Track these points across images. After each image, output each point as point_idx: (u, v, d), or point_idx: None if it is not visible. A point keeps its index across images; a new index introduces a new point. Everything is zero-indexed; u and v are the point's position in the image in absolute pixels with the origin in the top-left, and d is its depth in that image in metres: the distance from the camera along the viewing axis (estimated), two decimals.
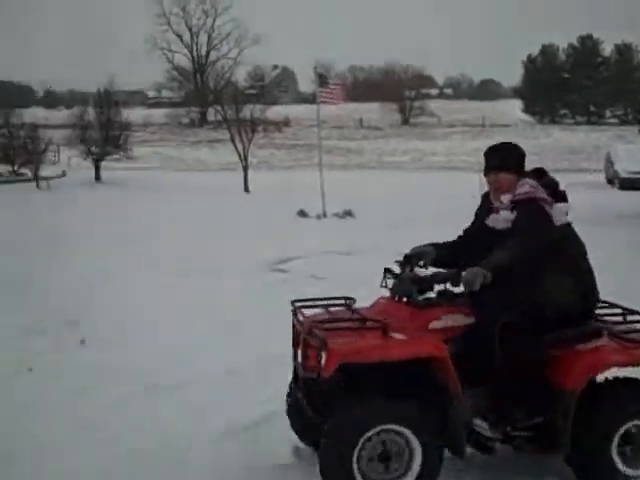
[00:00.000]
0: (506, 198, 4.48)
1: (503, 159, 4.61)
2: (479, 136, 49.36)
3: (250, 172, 24.58)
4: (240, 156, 25.24)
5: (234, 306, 8.50)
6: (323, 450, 4.09)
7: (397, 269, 4.59)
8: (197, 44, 73.61)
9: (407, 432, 4.10)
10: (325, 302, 4.74)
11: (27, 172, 28.58)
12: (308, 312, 4.58)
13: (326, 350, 4.04)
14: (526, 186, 4.44)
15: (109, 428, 5.10)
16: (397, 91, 65.49)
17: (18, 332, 7.46)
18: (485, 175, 4.65)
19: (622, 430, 4.32)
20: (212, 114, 48.14)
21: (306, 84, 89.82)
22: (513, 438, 4.33)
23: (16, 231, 14.84)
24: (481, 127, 57.87)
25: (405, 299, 4.38)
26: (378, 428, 4.06)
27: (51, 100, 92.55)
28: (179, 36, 72.90)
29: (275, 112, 41.46)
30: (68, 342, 7.17)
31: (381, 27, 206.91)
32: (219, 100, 33.60)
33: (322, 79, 19.10)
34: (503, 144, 4.81)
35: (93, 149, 29.81)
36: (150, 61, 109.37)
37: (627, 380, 4.47)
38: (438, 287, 4.47)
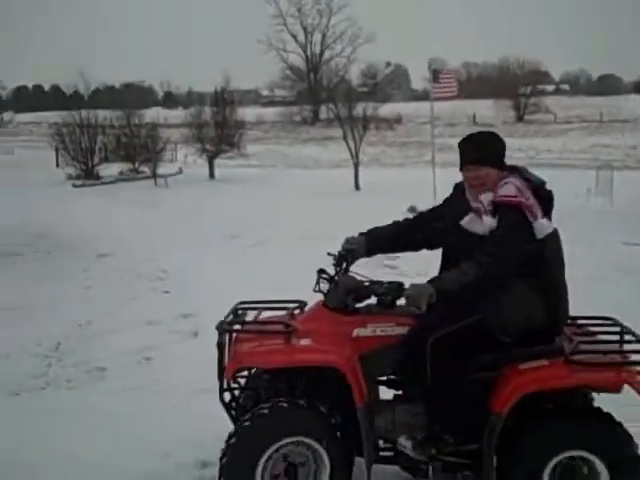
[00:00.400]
0: (486, 198, 3.96)
1: (484, 152, 4.06)
2: (596, 132, 47.77)
3: (361, 169, 24.60)
4: (351, 153, 25.30)
5: None
6: (223, 467, 3.93)
7: (331, 270, 4.33)
8: (311, 43, 74.40)
9: (314, 445, 3.95)
10: (273, 305, 4.64)
11: (146, 170, 29.56)
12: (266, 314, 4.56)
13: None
14: (511, 187, 3.91)
15: None
16: (512, 87, 64.12)
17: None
18: (461, 170, 4.17)
19: (553, 463, 3.85)
20: (324, 112, 48.59)
21: (419, 81, 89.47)
22: (442, 462, 3.98)
23: (141, 227, 15.40)
24: (599, 123, 55.97)
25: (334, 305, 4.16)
26: (282, 442, 3.93)
27: (170, 100, 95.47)
28: (294, 36, 73.91)
29: (387, 109, 41.42)
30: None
31: (495, 22, 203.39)
32: (332, 98, 33.71)
33: (435, 74, 18.93)
34: (482, 134, 4.22)
35: (208, 147, 30.54)
36: (264, 61, 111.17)
37: (574, 404, 3.99)
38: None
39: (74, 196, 23.53)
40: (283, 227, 14.81)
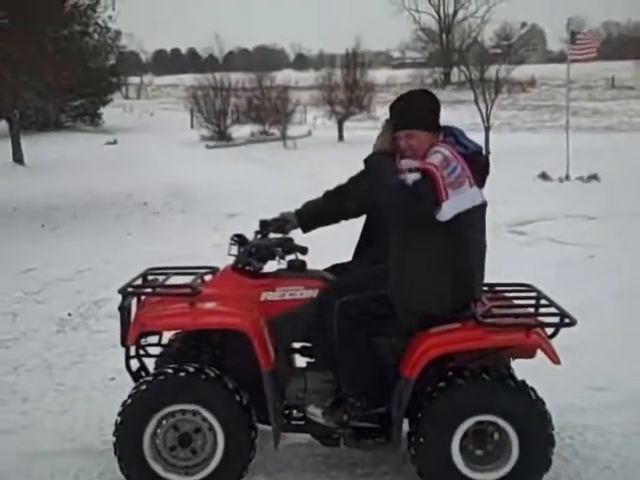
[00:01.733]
0: (407, 164, 3.63)
1: (415, 115, 3.73)
2: None
3: (492, 134, 24.11)
4: (482, 117, 24.80)
5: None
6: (115, 435, 3.82)
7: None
8: (444, 3, 72.70)
9: (204, 412, 3.78)
10: (184, 270, 4.49)
11: (276, 131, 30.01)
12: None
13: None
14: (439, 156, 3.57)
15: None
16: None
17: None
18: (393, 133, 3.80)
19: (463, 428, 3.71)
20: (456, 74, 47.68)
21: (555, 42, 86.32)
22: (353, 429, 3.86)
23: (270, 188, 15.72)
24: None
25: (245, 268, 4.03)
26: (167, 410, 3.79)
27: (301, 62, 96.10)
28: None
29: (521, 72, 40.16)
30: None
31: None
32: (464, 60, 33.07)
33: (574, 36, 18.23)
34: (414, 93, 3.95)
35: (338, 109, 30.65)
36: (396, 22, 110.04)
37: (487, 370, 3.75)
38: (289, 256, 4.05)
39: (207, 157, 24.25)
40: None
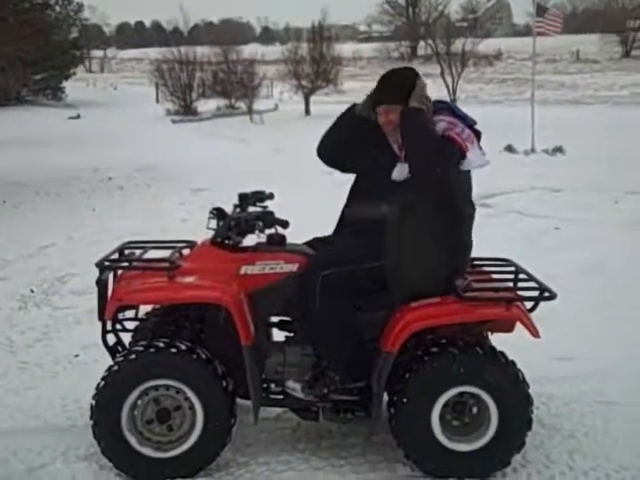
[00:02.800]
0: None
1: (400, 91, 3.76)
2: None
3: (458, 106, 24.21)
4: (449, 90, 24.91)
5: None
6: (92, 408, 3.80)
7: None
8: None
9: (182, 387, 3.75)
10: (162, 244, 4.44)
11: (242, 106, 29.81)
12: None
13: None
14: (442, 124, 3.70)
15: None
16: (619, 22, 61.25)
17: None
18: (373, 110, 3.86)
19: (444, 399, 3.74)
20: (422, 48, 47.66)
21: (521, 16, 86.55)
22: (332, 403, 3.88)
23: (236, 163, 15.62)
24: None
25: (224, 241, 3.99)
26: (145, 385, 3.75)
27: (268, 36, 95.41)
28: None
29: (487, 45, 40.33)
30: None
31: None
32: (430, 33, 33.14)
33: (540, 9, 18.26)
34: (396, 70, 3.93)
35: (304, 83, 30.51)
36: None
37: (473, 343, 3.79)
38: (270, 230, 4.00)
39: (173, 131, 24.03)
40: None
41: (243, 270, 3.89)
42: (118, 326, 4.19)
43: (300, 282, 3.82)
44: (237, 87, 30.70)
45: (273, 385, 4.04)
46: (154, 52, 39.10)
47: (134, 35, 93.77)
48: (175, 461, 3.81)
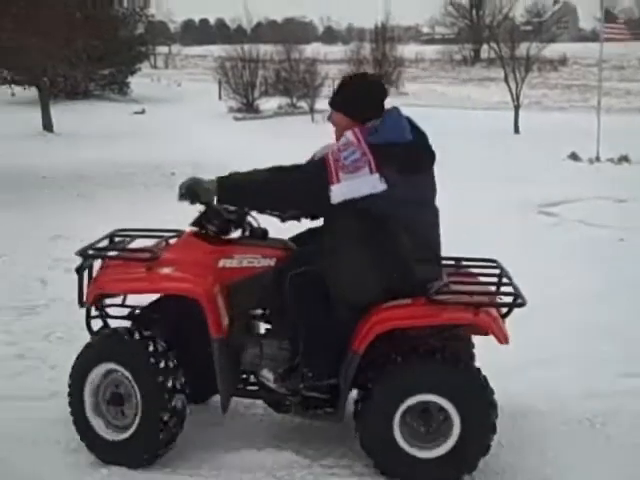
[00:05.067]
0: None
1: (343, 98, 3.87)
2: None
3: (521, 112, 23.88)
4: (512, 95, 24.56)
5: (499, 246, 8.41)
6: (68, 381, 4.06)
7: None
8: None
9: (124, 371, 3.89)
10: (151, 233, 4.57)
11: (304, 105, 29.89)
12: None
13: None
14: (343, 139, 3.69)
15: None
16: None
17: None
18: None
19: (404, 406, 3.72)
20: (486, 51, 47.19)
21: (588, 20, 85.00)
22: (303, 398, 3.91)
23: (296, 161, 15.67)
24: None
25: (205, 232, 4.06)
26: (103, 367, 3.94)
27: (330, 36, 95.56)
28: None
29: (552, 50, 39.69)
30: None
31: None
32: (494, 37, 32.72)
33: (608, 15, 17.96)
34: (351, 77, 4.09)
35: None
36: None
37: (436, 350, 3.74)
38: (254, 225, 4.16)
39: (235, 128, 24.24)
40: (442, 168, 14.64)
41: (222, 263, 3.96)
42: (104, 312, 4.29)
43: (274, 277, 3.87)
44: (299, 86, 30.80)
45: (251, 377, 4.12)
46: (218, 49, 39.42)
47: (198, 32, 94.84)
48: (124, 444, 3.93)
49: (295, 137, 20.81)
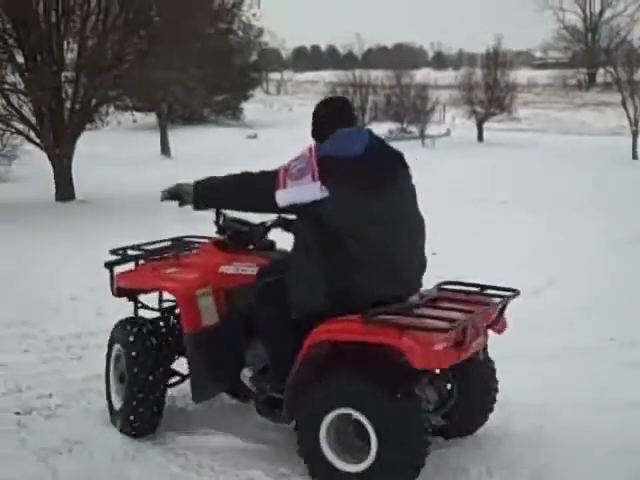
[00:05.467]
0: None
1: (311, 123, 4.13)
2: None
3: None
4: (630, 120, 23.87)
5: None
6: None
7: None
8: (590, 1, 70.36)
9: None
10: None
11: (414, 130, 29.91)
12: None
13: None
14: (299, 152, 3.92)
15: None
16: None
17: None
18: None
19: (329, 418, 3.71)
20: (601, 75, 46.02)
21: None
22: (268, 398, 4.07)
23: None
24: None
25: (223, 241, 4.42)
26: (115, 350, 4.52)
27: (440, 61, 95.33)
28: None
29: None
30: None
31: None
32: (611, 60, 31.89)
33: None
34: (318, 105, 4.16)
35: (478, 109, 30.26)
36: (539, 21, 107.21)
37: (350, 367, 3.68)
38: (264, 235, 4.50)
39: None
40: (551, 195, 14.39)
41: (221, 269, 4.30)
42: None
43: (255, 284, 4.14)
44: (409, 111, 30.87)
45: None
46: (329, 75, 40.03)
47: (310, 58, 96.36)
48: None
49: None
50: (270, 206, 3.90)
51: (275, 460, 4.05)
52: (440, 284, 4.19)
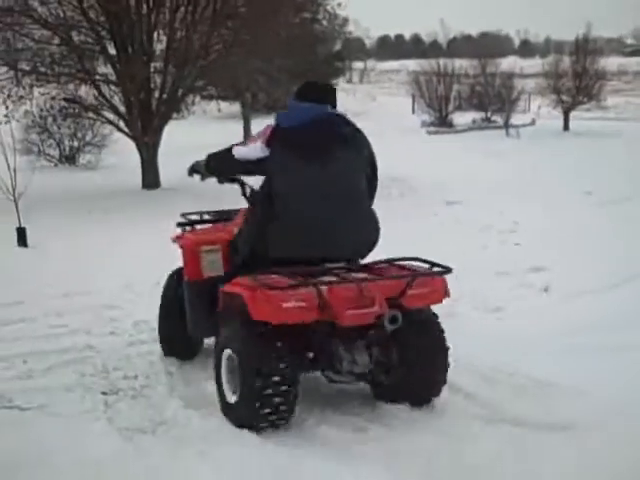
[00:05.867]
0: None
1: None
2: None
3: None
4: None
5: None
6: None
7: None
8: None
9: None
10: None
11: (498, 119, 29.46)
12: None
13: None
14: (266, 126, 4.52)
15: None
16: None
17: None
18: None
19: (224, 356, 4.28)
20: None
21: None
22: None
23: (491, 178, 15.54)
24: None
25: None
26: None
27: (527, 49, 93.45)
28: None
29: None
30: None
31: None
32: None
33: None
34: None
35: (564, 98, 29.57)
36: (630, 6, 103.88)
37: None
38: None
39: (428, 142, 24.30)
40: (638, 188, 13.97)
41: (235, 230, 4.77)
42: None
43: None
44: (494, 100, 30.41)
45: None
46: (412, 64, 39.75)
47: (393, 47, 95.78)
48: None
49: (488, 151, 20.57)
50: (238, 166, 4.56)
51: None
52: (389, 260, 4.42)
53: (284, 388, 4.05)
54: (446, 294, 4.26)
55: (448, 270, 4.17)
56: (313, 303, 3.93)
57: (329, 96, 4.54)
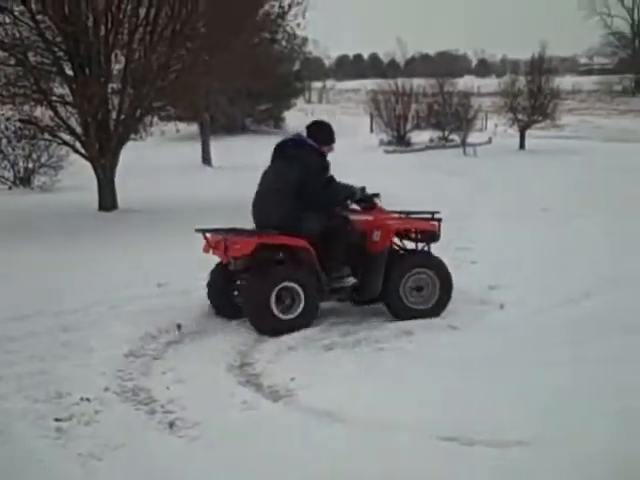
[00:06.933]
0: None
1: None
2: None
3: None
4: None
5: None
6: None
7: None
8: (638, 7, 69.39)
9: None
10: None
11: (456, 138, 29.81)
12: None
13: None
14: None
15: None
16: None
17: None
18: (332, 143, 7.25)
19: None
20: None
21: None
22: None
23: (449, 195, 15.68)
24: None
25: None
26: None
27: (484, 69, 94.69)
28: None
29: None
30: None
31: None
32: None
33: None
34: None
35: (520, 117, 30.02)
36: (584, 27, 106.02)
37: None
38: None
39: (385, 161, 24.49)
40: (594, 204, 14.22)
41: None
42: None
43: None
44: (451, 119, 30.78)
45: None
46: (370, 83, 40.03)
47: (352, 67, 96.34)
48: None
49: (446, 170, 20.78)
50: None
51: None
52: None
53: None
54: None
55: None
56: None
57: (312, 128, 7.08)
